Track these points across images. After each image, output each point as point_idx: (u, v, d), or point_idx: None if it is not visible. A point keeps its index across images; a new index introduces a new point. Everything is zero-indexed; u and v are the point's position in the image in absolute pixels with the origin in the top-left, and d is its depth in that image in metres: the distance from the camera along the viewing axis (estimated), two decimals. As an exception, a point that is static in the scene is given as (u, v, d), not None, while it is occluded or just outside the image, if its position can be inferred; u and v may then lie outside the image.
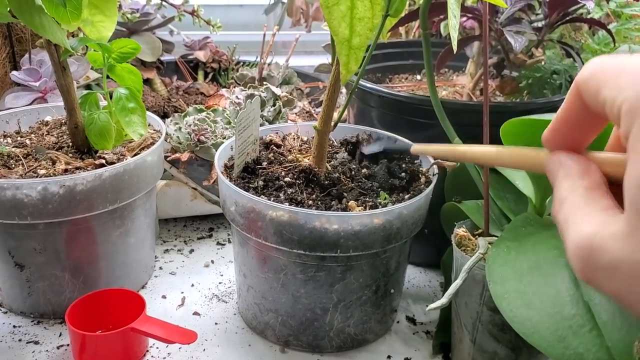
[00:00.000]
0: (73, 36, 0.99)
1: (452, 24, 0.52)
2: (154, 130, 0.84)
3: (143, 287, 0.83)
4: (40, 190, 0.66)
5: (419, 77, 1.04)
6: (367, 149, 0.75)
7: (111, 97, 0.75)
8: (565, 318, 0.47)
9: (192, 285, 0.84)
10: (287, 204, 0.65)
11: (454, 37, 0.52)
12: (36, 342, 0.72)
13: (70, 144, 0.78)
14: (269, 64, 1.21)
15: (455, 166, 0.71)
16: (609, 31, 0.75)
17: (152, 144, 0.79)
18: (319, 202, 0.67)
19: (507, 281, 0.51)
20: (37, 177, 0.69)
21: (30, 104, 0.93)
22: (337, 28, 0.43)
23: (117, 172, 0.70)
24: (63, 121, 0.85)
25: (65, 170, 0.71)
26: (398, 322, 0.78)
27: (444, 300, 0.56)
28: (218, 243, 0.95)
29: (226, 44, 1.37)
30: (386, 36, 0.71)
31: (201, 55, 1.28)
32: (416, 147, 0.56)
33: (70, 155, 0.76)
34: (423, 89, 0.98)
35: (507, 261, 0.53)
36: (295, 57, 1.25)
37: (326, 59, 1.46)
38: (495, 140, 0.62)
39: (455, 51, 0.53)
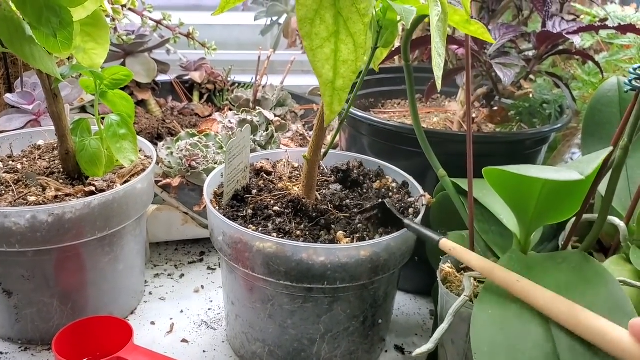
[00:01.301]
0: (69, 59, 1.00)
1: (437, 63, 0.53)
2: (145, 156, 0.84)
3: (132, 312, 0.83)
4: (29, 219, 0.66)
5: (411, 102, 1.04)
6: (391, 208, 0.69)
7: (103, 121, 0.75)
8: None
9: (182, 311, 0.84)
10: (275, 234, 0.65)
11: (438, 75, 0.53)
12: (22, 370, 0.72)
13: (62, 169, 0.78)
14: (263, 86, 1.22)
15: (431, 200, 0.72)
16: (597, 63, 0.75)
17: (143, 170, 0.79)
18: (307, 233, 0.67)
19: (496, 356, 0.50)
20: (26, 204, 0.69)
21: (23, 127, 0.94)
22: (321, 70, 0.44)
23: (106, 200, 0.70)
24: (55, 145, 0.86)
25: (56, 197, 0.72)
26: (386, 351, 0.78)
27: (430, 346, 0.55)
28: (209, 268, 0.95)
29: (222, 63, 1.38)
30: (377, 67, 0.72)
31: (197, 76, 1.29)
32: (447, 244, 0.55)
33: (61, 181, 0.76)
34: (415, 115, 0.98)
35: (493, 325, 0.53)
36: (291, 76, 1.26)
37: (322, 79, 1.46)
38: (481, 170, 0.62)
39: (439, 89, 0.53)
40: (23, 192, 0.73)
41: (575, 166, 0.56)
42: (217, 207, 0.71)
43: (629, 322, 0.33)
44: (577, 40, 0.65)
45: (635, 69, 0.57)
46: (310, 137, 1.11)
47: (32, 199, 0.71)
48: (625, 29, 0.69)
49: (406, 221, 0.66)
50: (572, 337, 0.49)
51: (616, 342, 0.34)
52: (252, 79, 1.33)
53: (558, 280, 0.55)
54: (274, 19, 1.43)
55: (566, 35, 0.66)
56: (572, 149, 1.11)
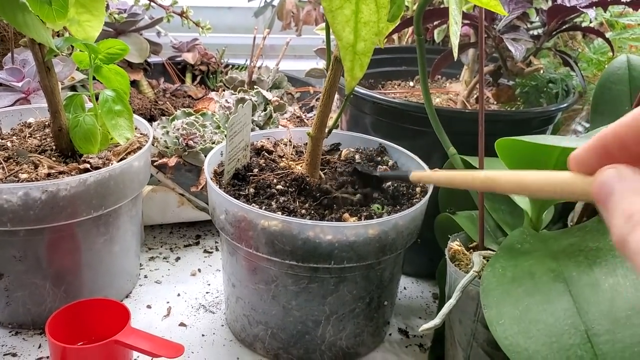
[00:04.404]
0: (58, 35, 0.97)
1: (453, 30, 0.51)
2: (141, 134, 0.81)
3: (127, 296, 0.80)
4: (22, 196, 0.63)
5: (411, 83, 1.03)
6: (363, 168, 0.68)
7: (97, 99, 0.73)
8: (563, 348, 0.45)
9: (178, 294, 0.81)
10: (279, 213, 0.63)
11: (455, 43, 0.51)
12: (14, 355, 0.69)
13: (54, 147, 0.75)
14: (259, 68, 1.19)
15: None
16: (608, 41, 0.74)
17: (139, 148, 0.76)
18: (312, 211, 0.65)
19: (502, 306, 0.49)
20: (18, 181, 0.66)
21: (12, 105, 0.90)
22: (341, 33, 0.41)
23: (102, 177, 0.67)
24: (46, 123, 0.83)
25: (48, 175, 0.69)
26: (390, 334, 0.76)
27: (437, 321, 0.54)
28: (205, 251, 0.92)
29: (215, 46, 1.34)
30: (383, 42, 0.70)
31: (189, 57, 1.25)
32: (416, 175, 0.52)
33: (54, 159, 0.73)
34: (416, 96, 0.96)
35: (502, 283, 0.51)
36: (284, 61, 1.23)
37: (316, 63, 1.44)
38: (490, 149, 0.61)
39: (455, 57, 0.51)
40: (14, 169, 0.69)
41: (592, 136, 0.54)
42: (218, 186, 0.69)
43: (568, 157, 0.31)
44: (592, 14, 0.63)
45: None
46: (307, 119, 1.09)
47: (23, 176, 0.68)
48: (638, 3, 0.67)
49: (377, 173, 0.65)
50: (591, 294, 0.47)
51: (565, 183, 0.31)
52: (245, 61, 1.30)
53: (570, 240, 0.54)
54: (268, 0, 1.40)
55: (580, 9, 0.65)
56: (569, 134, 1.10)
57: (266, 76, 1.16)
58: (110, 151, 0.75)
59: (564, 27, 0.74)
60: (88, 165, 0.70)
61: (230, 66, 1.31)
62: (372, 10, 0.41)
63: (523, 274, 0.51)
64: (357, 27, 0.41)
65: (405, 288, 0.86)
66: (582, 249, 0.51)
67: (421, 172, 0.56)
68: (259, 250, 0.62)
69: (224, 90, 1.14)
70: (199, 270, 0.87)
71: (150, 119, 1.07)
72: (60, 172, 0.69)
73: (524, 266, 0.52)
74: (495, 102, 0.87)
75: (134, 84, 1.17)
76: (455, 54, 0.50)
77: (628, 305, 0.43)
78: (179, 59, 1.29)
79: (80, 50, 0.73)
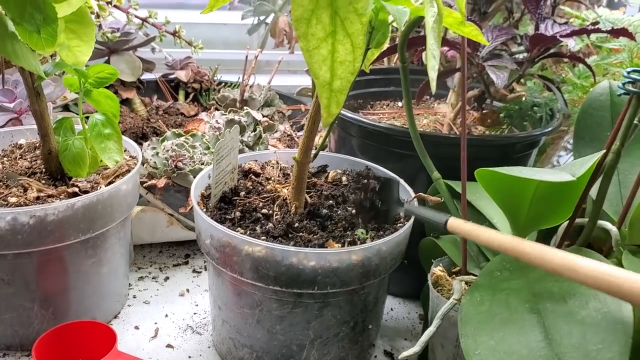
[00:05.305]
0: (52, 57, 0.98)
1: (431, 65, 0.52)
2: (130, 156, 0.82)
3: (116, 317, 0.81)
4: (10, 221, 0.64)
5: (400, 104, 1.04)
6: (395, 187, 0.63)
7: (87, 120, 0.74)
8: None
9: (166, 315, 0.82)
10: (264, 237, 0.64)
11: (433, 77, 0.52)
12: (1, 377, 0.70)
13: (44, 169, 0.76)
14: (250, 86, 1.20)
15: (438, 201, 0.70)
16: (589, 67, 0.75)
17: (128, 171, 0.77)
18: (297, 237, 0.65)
19: (479, 336, 0.50)
20: (7, 205, 0.67)
21: (4, 125, 0.91)
22: (318, 71, 0.43)
23: (90, 201, 0.68)
24: (37, 145, 0.83)
25: (37, 198, 0.69)
26: (376, 356, 0.77)
27: (416, 349, 0.55)
28: (194, 271, 0.93)
29: (208, 62, 1.35)
30: (368, 67, 0.71)
31: (182, 75, 1.26)
32: (455, 224, 0.52)
33: (43, 181, 0.74)
34: (404, 117, 0.97)
35: (479, 312, 0.52)
36: (278, 76, 1.24)
37: (309, 79, 1.45)
38: (474, 173, 0.61)
39: (433, 91, 0.52)
40: (3, 192, 0.70)
41: (567, 168, 0.55)
42: (205, 209, 0.70)
43: None
44: (572, 44, 0.64)
45: (628, 73, 0.57)
46: (298, 138, 1.10)
47: (12, 200, 0.69)
48: (618, 32, 0.69)
49: (405, 205, 0.63)
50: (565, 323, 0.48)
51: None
52: (238, 78, 1.31)
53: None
54: (261, 18, 1.42)
55: (560, 38, 0.66)
56: (559, 152, 1.11)
57: (258, 94, 1.17)
58: (99, 174, 0.76)
59: (547, 53, 0.75)
60: (77, 189, 0.71)
61: (223, 84, 1.32)
62: (348, 51, 0.42)
63: (499, 304, 0.52)
64: (334, 66, 0.42)
65: (391, 309, 0.87)
66: (557, 279, 0.51)
67: (462, 221, 0.54)
68: (244, 275, 0.63)
69: (216, 109, 1.15)
70: (187, 290, 0.88)
71: (143, 137, 1.08)
72: (49, 196, 0.70)
73: (500, 296, 0.53)
74: (480, 125, 0.88)
75: (127, 102, 1.18)
76: (433, 88, 0.51)
77: (599, 338, 0.44)
78: (172, 76, 1.29)
79: (70, 74, 0.74)
